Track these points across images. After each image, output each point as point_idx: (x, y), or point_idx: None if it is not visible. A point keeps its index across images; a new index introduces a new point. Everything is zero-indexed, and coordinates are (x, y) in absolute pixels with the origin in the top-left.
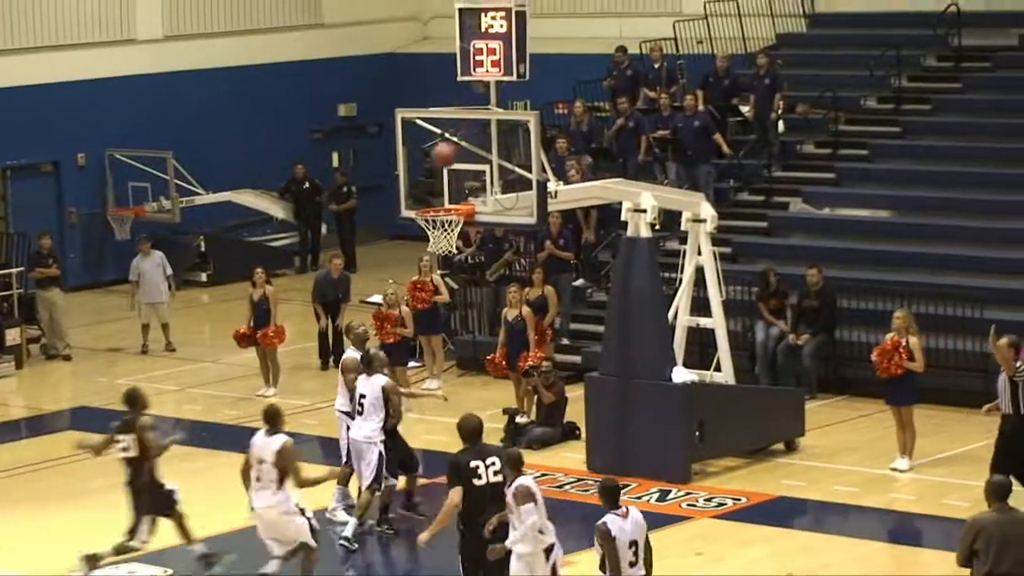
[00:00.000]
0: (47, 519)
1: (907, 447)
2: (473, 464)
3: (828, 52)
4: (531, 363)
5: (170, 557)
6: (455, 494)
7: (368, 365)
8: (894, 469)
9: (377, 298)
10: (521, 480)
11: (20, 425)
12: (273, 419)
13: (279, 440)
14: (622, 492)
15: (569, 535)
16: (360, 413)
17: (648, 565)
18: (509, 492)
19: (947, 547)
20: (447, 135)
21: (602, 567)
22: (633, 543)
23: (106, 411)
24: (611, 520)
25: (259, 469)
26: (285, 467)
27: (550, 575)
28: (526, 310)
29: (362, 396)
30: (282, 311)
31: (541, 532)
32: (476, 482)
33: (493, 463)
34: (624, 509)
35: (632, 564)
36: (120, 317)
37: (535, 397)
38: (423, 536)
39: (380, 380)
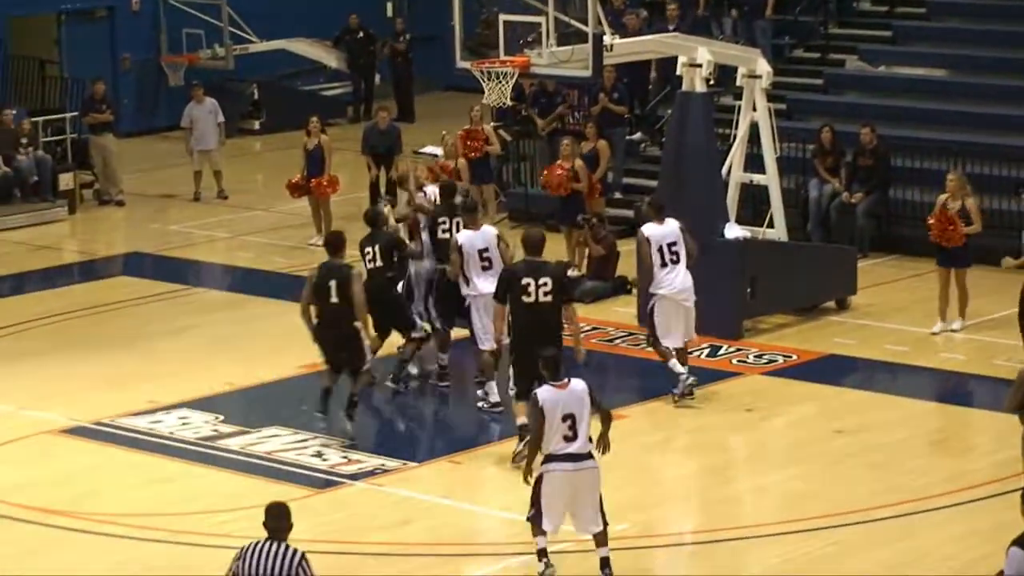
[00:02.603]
0: (100, 364)
1: (959, 309)
2: (525, 281)
3: None
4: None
5: (220, 403)
6: (499, 308)
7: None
8: (944, 330)
9: (430, 149)
10: None
11: (73, 270)
12: None
13: None
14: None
15: (619, 389)
16: None
17: (604, 429)
18: None
19: (996, 407)
20: None
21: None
22: (568, 416)
23: (158, 257)
24: (544, 390)
25: None
26: None
27: None
28: (579, 163)
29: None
30: (335, 161)
31: None
32: (525, 299)
33: (545, 283)
34: (565, 380)
35: (567, 439)
36: (173, 164)
37: (586, 250)
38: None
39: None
